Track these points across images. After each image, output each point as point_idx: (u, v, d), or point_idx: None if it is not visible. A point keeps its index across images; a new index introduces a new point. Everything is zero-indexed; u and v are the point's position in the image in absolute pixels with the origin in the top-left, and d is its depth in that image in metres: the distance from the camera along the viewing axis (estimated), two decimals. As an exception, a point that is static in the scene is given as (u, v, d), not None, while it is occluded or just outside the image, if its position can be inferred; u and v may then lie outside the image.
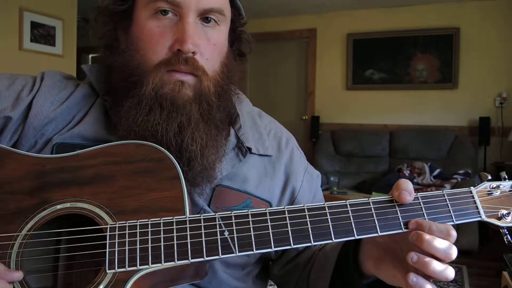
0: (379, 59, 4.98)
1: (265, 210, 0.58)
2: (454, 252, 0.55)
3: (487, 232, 3.59)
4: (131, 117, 0.68)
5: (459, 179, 3.84)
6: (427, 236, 0.55)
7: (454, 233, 0.56)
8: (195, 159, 0.68)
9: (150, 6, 0.69)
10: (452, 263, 0.56)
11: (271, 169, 0.81)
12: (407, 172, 4.12)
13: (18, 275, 0.54)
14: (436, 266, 0.55)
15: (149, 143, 0.64)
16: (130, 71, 0.70)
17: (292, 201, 0.81)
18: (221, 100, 0.74)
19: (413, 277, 0.55)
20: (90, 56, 6.74)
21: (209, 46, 0.71)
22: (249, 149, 0.78)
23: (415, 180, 3.97)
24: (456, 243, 0.58)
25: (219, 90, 0.73)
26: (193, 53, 0.68)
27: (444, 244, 0.55)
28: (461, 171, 3.94)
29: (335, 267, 0.70)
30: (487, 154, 4.35)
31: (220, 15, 0.72)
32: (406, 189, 0.59)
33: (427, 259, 0.55)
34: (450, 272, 0.55)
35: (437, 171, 4.06)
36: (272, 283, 0.91)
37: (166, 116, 0.67)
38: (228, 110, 0.79)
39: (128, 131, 0.67)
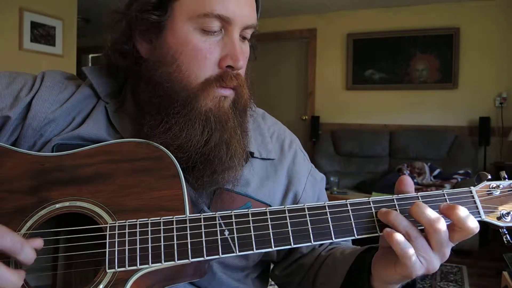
0: (379, 59, 4.98)
1: (265, 209, 0.58)
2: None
3: (487, 232, 3.59)
4: (171, 133, 0.66)
5: (459, 179, 3.84)
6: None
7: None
8: (224, 170, 0.68)
9: (197, 21, 0.66)
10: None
11: (273, 172, 0.80)
12: (407, 172, 4.11)
13: (38, 242, 0.55)
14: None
15: (149, 141, 0.64)
16: (173, 87, 0.67)
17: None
18: (251, 109, 0.76)
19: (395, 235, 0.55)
20: (90, 56, 6.73)
21: (244, 60, 0.72)
22: (251, 153, 0.78)
23: (415, 180, 3.96)
24: (456, 244, 0.58)
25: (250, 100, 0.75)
26: None
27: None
28: (461, 171, 3.93)
29: (346, 276, 0.69)
30: (487, 154, 4.34)
31: (253, 29, 0.73)
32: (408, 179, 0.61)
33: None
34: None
35: (437, 171, 4.06)
36: (273, 283, 0.90)
37: (208, 132, 0.67)
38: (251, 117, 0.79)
39: (162, 144, 0.65)
